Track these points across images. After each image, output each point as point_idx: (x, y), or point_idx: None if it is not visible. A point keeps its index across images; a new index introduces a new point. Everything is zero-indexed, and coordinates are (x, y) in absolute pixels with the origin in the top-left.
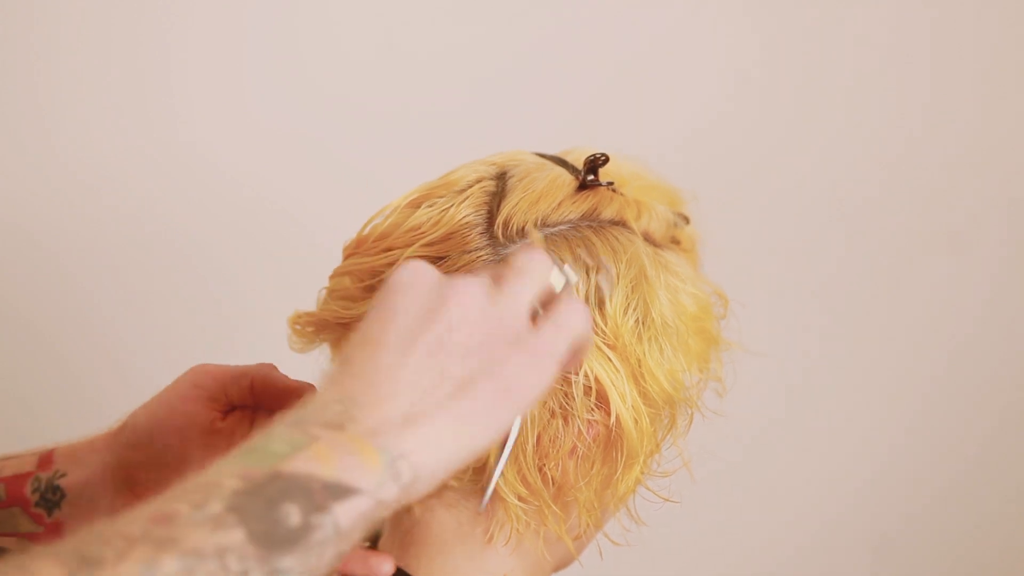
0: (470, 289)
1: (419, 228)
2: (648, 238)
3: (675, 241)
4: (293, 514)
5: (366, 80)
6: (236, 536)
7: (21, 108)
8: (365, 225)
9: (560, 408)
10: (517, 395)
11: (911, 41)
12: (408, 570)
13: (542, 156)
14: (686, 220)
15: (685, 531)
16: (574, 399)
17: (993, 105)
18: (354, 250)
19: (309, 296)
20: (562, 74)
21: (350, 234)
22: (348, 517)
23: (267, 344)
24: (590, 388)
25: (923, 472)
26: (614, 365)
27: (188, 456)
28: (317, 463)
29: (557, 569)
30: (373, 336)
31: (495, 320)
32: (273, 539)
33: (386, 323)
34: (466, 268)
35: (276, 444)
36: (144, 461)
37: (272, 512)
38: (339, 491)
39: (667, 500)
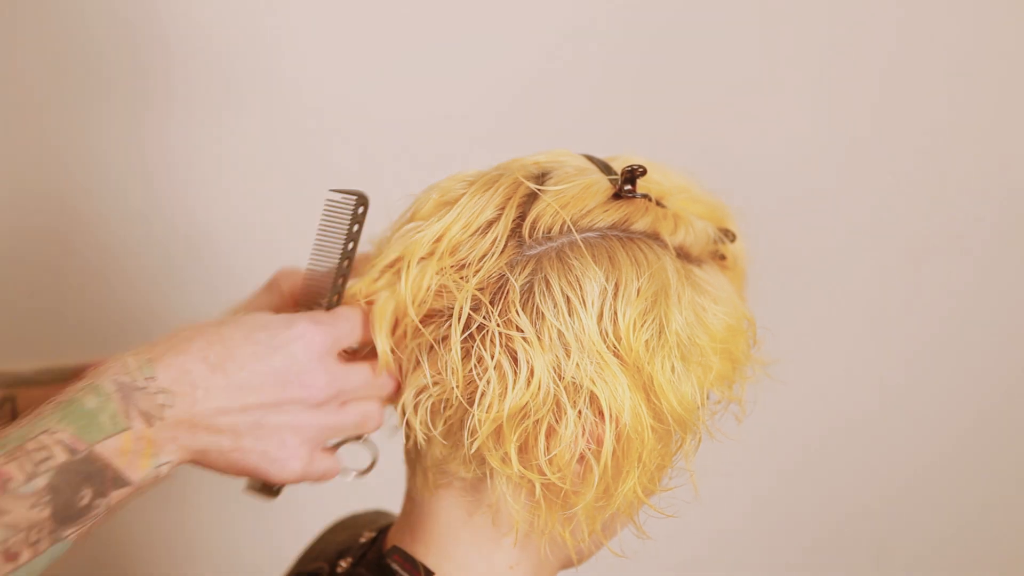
0: (319, 393)
1: (450, 226)
2: (682, 253)
3: (720, 257)
4: (86, 496)
5: (374, 79)
6: (44, 514)
7: (21, 108)
8: (405, 213)
9: (564, 414)
10: (272, 466)
11: (918, 45)
12: (416, 556)
13: (590, 159)
14: (732, 237)
15: (683, 537)
16: (577, 406)
17: (998, 108)
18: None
19: None
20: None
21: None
22: (117, 498)
23: None
24: (595, 396)
25: (925, 473)
26: (615, 375)
27: None
28: (119, 455)
29: (563, 568)
30: (240, 357)
31: (318, 426)
32: (67, 516)
33: (259, 360)
34: (494, 265)
35: (104, 416)
36: None
37: (74, 494)
38: (119, 482)
39: (667, 516)
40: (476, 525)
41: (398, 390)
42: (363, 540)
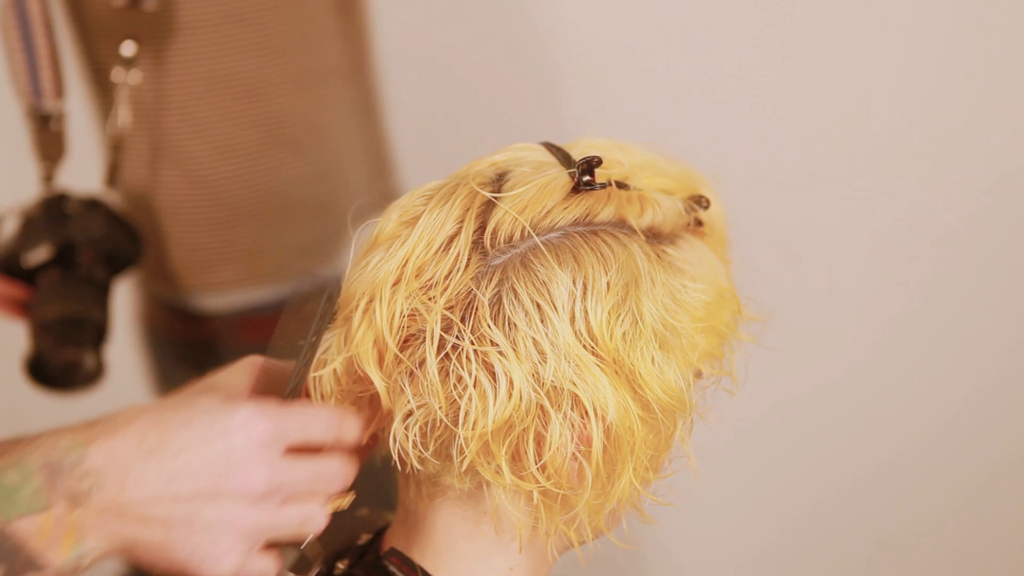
0: (257, 486)
1: (414, 248)
2: (653, 234)
3: (697, 224)
4: None
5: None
6: None
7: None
8: (370, 238)
9: (550, 420)
10: (203, 564)
11: (915, 40)
12: (413, 559)
13: (549, 148)
14: (706, 203)
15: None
16: (561, 409)
17: (995, 104)
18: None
19: None
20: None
21: None
22: None
23: None
24: (578, 397)
25: (920, 471)
26: (594, 374)
27: None
28: (36, 536)
29: (562, 553)
30: (177, 443)
31: (255, 523)
32: None
33: (196, 447)
34: (460, 281)
35: (24, 493)
36: None
37: None
38: (33, 566)
39: (663, 504)
40: (475, 532)
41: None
42: (360, 542)
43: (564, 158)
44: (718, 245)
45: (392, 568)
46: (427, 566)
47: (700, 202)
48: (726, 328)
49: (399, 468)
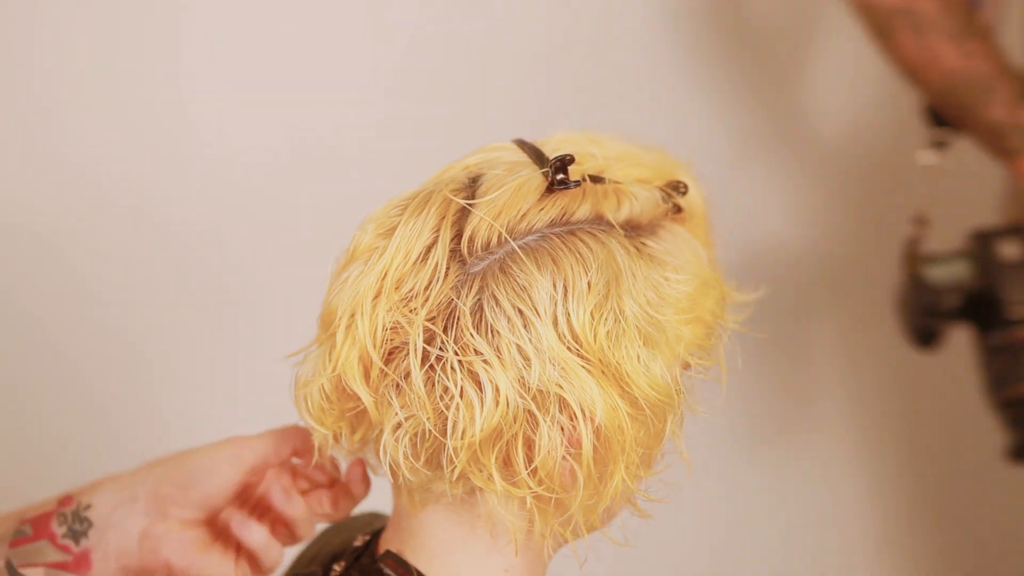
0: None
1: (392, 261)
2: (632, 226)
3: (677, 210)
4: None
5: (367, 76)
6: None
7: (25, 105)
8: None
9: (538, 424)
10: None
11: None
12: (408, 561)
13: (522, 146)
14: (683, 189)
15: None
16: (549, 412)
17: None
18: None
19: (312, 290)
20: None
21: (350, 225)
22: None
23: (272, 337)
24: (564, 400)
25: (920, 470)
26: (580, 376)
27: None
28: None
29: (558, 549)
30: None
31: None
32: None
33: None
34: (440, 292)
35: None
36: (180, 499)
37: None
38: None
39: (657, 501)
40: (471, 536)
41: None
42: (357, 544)
43: (537, 156)
44: (699, 229)
45: (387, 570)
46: (422, 568)
47: (678, 188)
48: (711, 316)
49: (391, 478)
